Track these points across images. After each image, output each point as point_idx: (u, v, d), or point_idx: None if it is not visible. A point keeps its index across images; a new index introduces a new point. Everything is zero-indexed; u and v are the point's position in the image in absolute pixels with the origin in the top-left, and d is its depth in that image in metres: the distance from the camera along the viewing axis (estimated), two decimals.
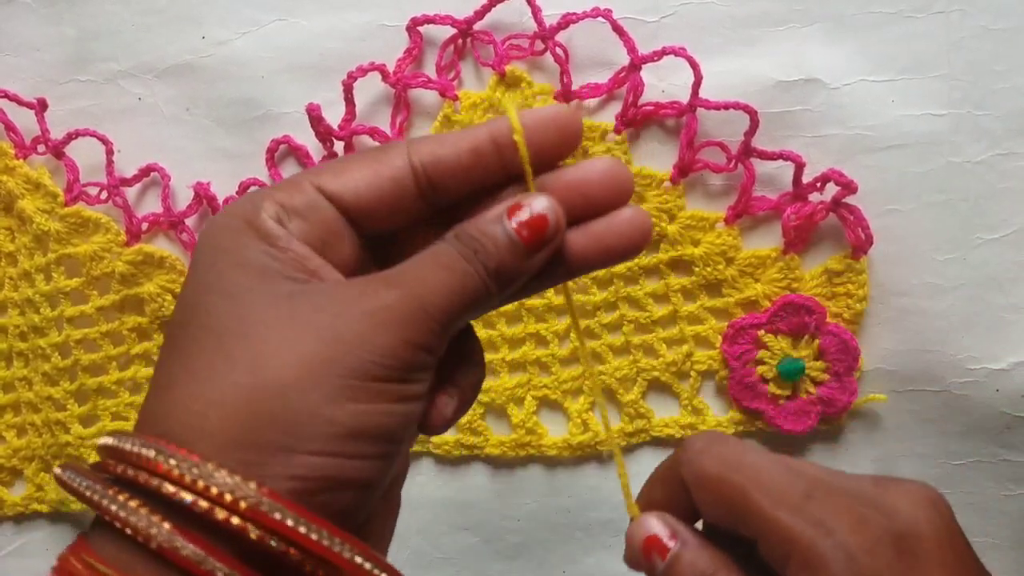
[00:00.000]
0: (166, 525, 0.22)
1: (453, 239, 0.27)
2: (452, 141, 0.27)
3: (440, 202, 0.28)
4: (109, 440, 0.25)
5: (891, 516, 0.26)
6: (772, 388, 0.47)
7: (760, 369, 0.47)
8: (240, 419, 0.23)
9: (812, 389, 0.47)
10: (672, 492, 0.30)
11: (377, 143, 0.48)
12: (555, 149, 0.28)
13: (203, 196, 0.49)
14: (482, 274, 0.26)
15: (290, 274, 0.26)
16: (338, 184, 0.27)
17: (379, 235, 0.28)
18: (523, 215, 0.26)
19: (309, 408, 0.23)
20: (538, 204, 0.26)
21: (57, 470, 0.25)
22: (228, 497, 0.22)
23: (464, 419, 0.49)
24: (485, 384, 0.49)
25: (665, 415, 0.49)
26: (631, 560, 0.30)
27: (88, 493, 0.23)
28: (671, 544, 0.28)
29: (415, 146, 0.27)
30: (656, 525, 0.29)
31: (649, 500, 0.31)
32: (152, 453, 0.23)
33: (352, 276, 0.27)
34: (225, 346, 0.24)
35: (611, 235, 0.28)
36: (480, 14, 0.46)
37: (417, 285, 0.25)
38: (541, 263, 0.27)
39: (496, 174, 0.27)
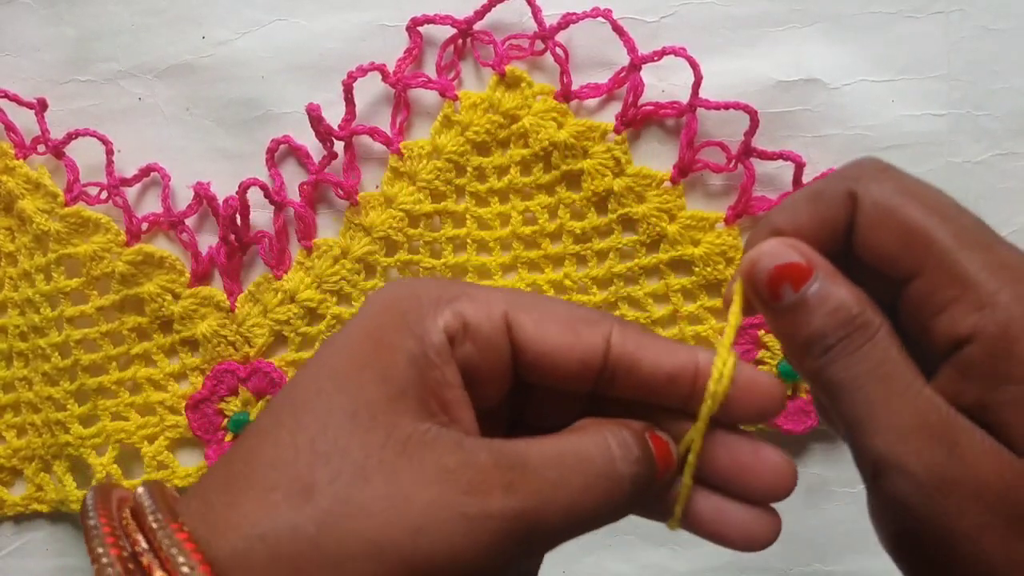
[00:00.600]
0: None
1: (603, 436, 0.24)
2: (656, 353, 0.25)
3: (605, 392, 0.26)
4: (147, 503, 0.23)
5: None
6: None
7: (760, 369, 0.47)
8: (282, 569, 0.21)
9: None
10: (824, 212, 0.25)
11: (377, 143, 0.48)
12: (744, 415, 0.26)
13: (203, 196, 0.49)
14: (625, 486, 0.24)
15: (424, 404, 0.23)
16: (532, 332, 0.25)
17: (527, 388, 0.26)
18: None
19: None
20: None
21: (140, 490, 0.23)
22: None
23: None
24: None
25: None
26: (729, 297, 0.26)
27: (100, 553, 0.21)
28: (811, 273, 0.24)
29: (620, 334, 0.25)
30: (791, 251, 0.25)
31: (789, 221, 0.26)
32: (177, 556, 0.21)
33: (486, 417, 0.25)
34: (302, 470, 0.22)
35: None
36: (480, 14, 0.46)
37: (540, 495, 0.23)
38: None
39: (676, 403, 0.26)
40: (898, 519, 0.24)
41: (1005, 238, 0.24)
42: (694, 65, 0.45)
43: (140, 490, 0.23)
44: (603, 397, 0.27)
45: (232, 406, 0.49)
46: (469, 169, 0.48)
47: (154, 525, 0.22)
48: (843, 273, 0.25)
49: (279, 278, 0.49)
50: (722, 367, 0.25)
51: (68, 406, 0.51)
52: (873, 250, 0.25)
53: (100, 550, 0.21)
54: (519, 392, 0.27)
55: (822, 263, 0.25)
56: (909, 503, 0.23)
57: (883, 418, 0.23)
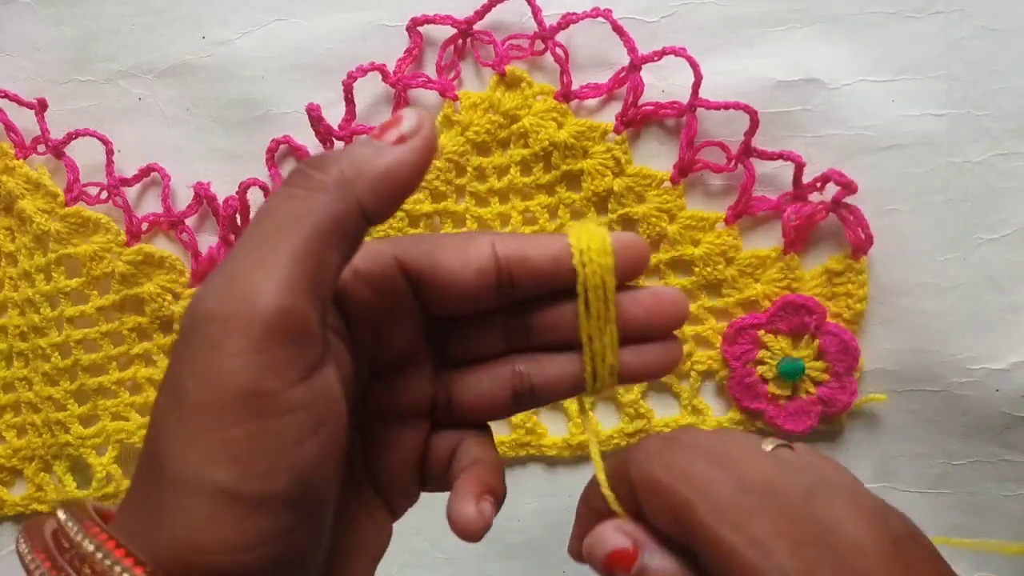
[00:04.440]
0: None
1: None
2: (538, 244, 0.27)
3: (510, 297, 0.28)
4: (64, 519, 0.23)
5: (835, 536, 0.26)
6: (772, 388, 0.47)
7: (760, 369, 0.47)
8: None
9: (812, 389, 0.47)
10: (620, 491, 0.29)
11: None
12: (622, 275, 0.28)
13: (203, 196, 0.49)
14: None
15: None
16: (423, 265, 0.27)
17: (442, 316, 0.28)
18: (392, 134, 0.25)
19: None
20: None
21: (62, 515, 0.24)
22: None
23: None
24: None
25: (665, 415, 0.49)
26: (577, 555, 0.29)
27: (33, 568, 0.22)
28: (636, 555, 0.27)
29: (503, 241, 0.27)
30: (617, 537, 0.28)
31: (596, 495, 0.30)
32: (104, 559, 0.22)
33: (408, 354, 0.28)
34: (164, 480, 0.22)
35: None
36: (480, 14, 0.46)
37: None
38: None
39: (568, 283, 0.28)
40: None
41: (769, 490, 0.27)
42: (694, 65, 0.45)
43: (61, 514, 0.24)
44: (518, 326, 0.28)
45: None
46: (469, 169, 0.48)
47: (78, 538, 0.22)
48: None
49: None
50: (581, 233, 0.28)
51: (68, 406, 0.51)
52: (660, 528, 0.27)
53: (32, 563, 0.22)
54: (436, 333, 0.28)
55: (648, 541, 0.28)
56: None
57: None
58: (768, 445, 0.29)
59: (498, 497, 0.28)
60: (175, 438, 0.21)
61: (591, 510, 0.30)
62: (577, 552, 0.30)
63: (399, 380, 0.28)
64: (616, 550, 0.28)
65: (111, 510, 0.25)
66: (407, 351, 0.28)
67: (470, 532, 0.27)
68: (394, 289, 0.27)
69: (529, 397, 0.29)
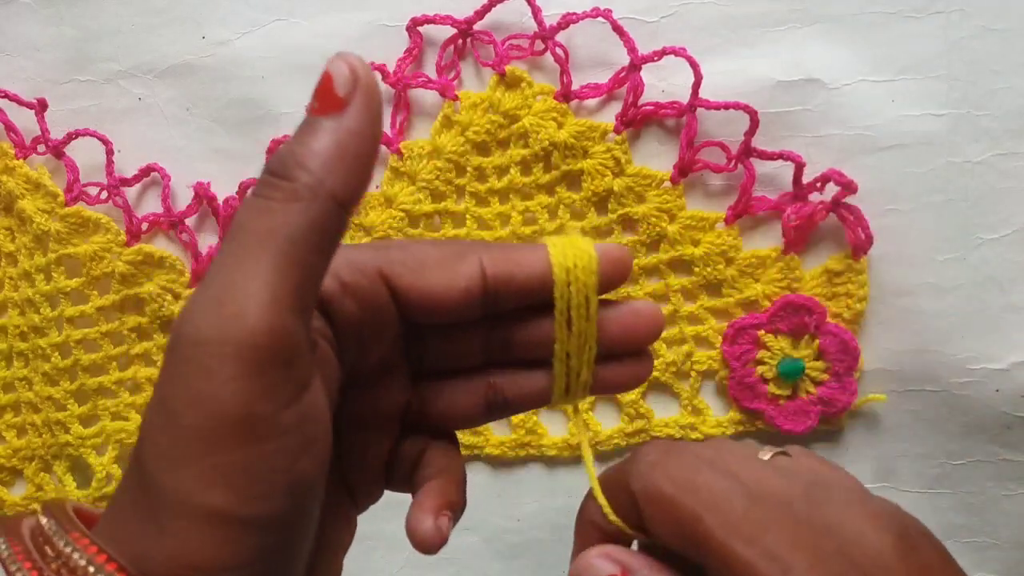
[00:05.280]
0: None
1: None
2: (525, 261, 0.27)
3: (493, 310, 0.27)
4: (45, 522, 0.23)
5: (856, 548, 0.25)
6: (772, 388, 0.47)
7: (760, 369, 0.47)
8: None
9: (812, 389, 0.47)
10: (619, 502, 0.28)
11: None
12: (604, 288, 0.28)
13: (203, 196, 0.49)
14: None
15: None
16: (409, 282, 0.26)
17: (422, 326, 0.28)
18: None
19: None
20: None
21: (45, 520, 0.24)
22: None
23: None
24: None
25: (665, 415, 0.49)
26: None
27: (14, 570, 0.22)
28: None
29: (491, 258, 0.27)
30: (602, 564, 0.27)
31: (595, 513, 0.29)
32: (80, 559, 0.22)
33: (386, 362, 0.28)
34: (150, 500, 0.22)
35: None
36: (480, 14, 0.46)
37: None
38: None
39: (552, 298, 0.28)
40: None
41: (783, 502, 0.26)
42: (694, 65, 0.45)
43: (44, 519, 0.24)
44: (496, 339, 0.28)
45: None
46: (469, 169, 0.48)
47: (67, 550, 0.22)
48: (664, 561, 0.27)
49: None
50: (567, 251, 0.27)
51: (68, 406, 0.51)
52: (662, 540, 0.26)
53: (17, 572, 0.22)
54: (414, 341, 0.28)
55: (636, 564, 0.27)
56: None
57: None
58: (766, 454, 0.28)
59: (456, 511, 0.28)
60: (167, 459, 0.21)
61: (590, 524, 0.29)
62: None
63: (374, 387, 0.28)
64: None
65: (92, 511, 0.25)
66: (385, 359, 0.28)
67: (427, 546, 0.27)
68: (378, 302, 0.26)
69: (501, 408, 0.29)
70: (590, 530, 0.29)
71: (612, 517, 0.28)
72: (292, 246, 0.22)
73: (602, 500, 0.28)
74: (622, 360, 0.29)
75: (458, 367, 0.29)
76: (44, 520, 0.23)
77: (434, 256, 0.27)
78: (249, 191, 0.23)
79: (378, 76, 0.47)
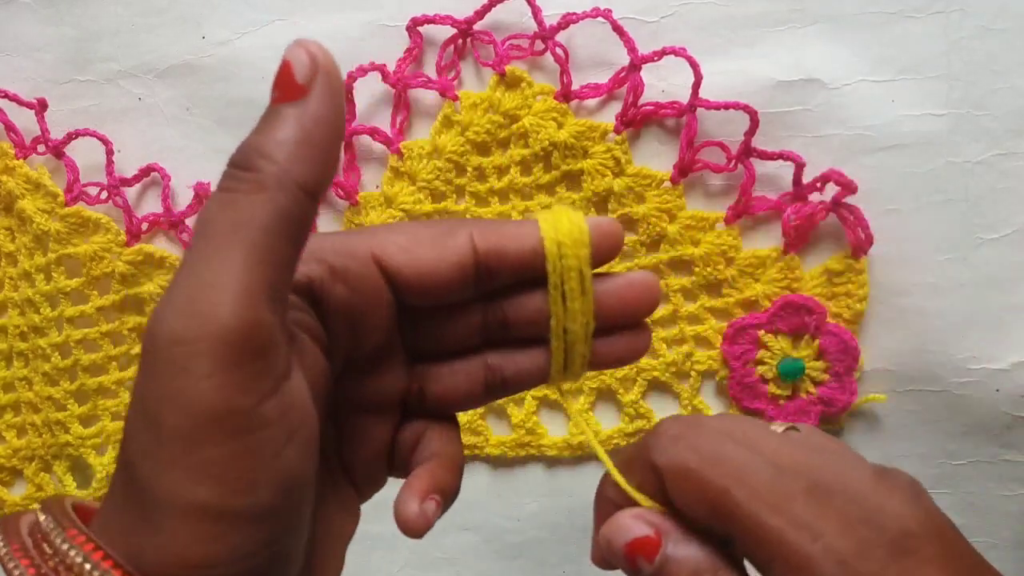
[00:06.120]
0: None
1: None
2: (515, 235, 0.27)
3: (487, 288, 0.27)
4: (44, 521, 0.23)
5: (881, 514, 0.25)
6: (772, 388, 0.47)
7: (760, 369, 0.47)
8: None
9: (812, 389, 0.47)
10: (642, 478, 0.28)
11: (377, 143, 0.48)
12: (597, 262, 0.28)
13: (203, 196, 0.49)
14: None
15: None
16: (401, 261, 0.26)
17: (417, 308, 0.28)
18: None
19: None
20: None
21: (43, 517, 0.24)
22: None
23: (464, 419, 0.49)
24: None
25: (665, 415, 0.49)
26: (601, 561, 0.28)
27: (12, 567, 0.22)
28: (660, 544, 0.26)
29: (481, 232, 0.27)
30: (637, 526, 0.27)
31: (615, 490, 0.28)
32: (75, 556, 0.22)
33: (382, 347, 0.27)
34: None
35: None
36: (480, 14, 0.46)
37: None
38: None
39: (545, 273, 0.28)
40: None
41: (804, 471, 0.25)
42: (694, 65, 0.45)
43: (42, 516, 0.24)
44: (492, 318, 0.28)
45: None
46: (469, 169, 0.48)
47: (54, 537, 0.22)
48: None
49: None
50: (558, 223, 0.27)
51: (68, 406, 0.51)
52: (689, 515, 0.26)
53: (15, 569, 0.22)
54: (409, 325, 0.28)
55: (671, 529, 0.26)
56: None
57: None
58: (778, 428, 0.28)
59: (447, 495, 0.28)
60: (153, 459, 0.21)
61: (610, 502, 0.29)
62: (599, 559, 0.29)
63: (372, 372, 0.28)
64: (637, 539, 0.26)
65: (91, 506, 0.25)
66: (381, 344, 0.28)
67: (411, 530, 0.26)
68: (370, 285, 0.26)
69: (500, 389, 0.29)
70: (611, 509, 0.29)
71: (633, 493, 0.28)
72: (261, 237, 0.21)
73: (618, 477, 0.28)
74: (620, 333, 0.28)
75: (455, 349, 0.29)
76: (42, 517, 0.23)
77: (425, 234, 0.27)
78: (213, 187, 0.23)
79: (379, 75, 0.47)
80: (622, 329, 0.28)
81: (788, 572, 0.24)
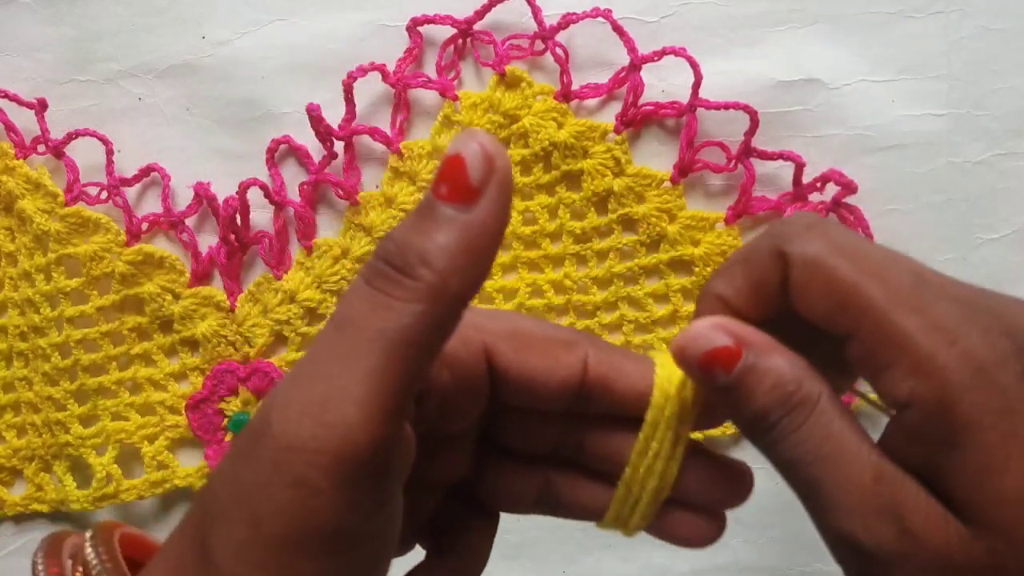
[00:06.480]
0: None
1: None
2: (628, 372, 0.26)
3: (579, 409, 0.26)
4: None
5: (1020, 330, 0.23)
6: None
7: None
8: None
9: None
10: (762, 273, 0.25)
11: (377, 143, 0.48)
12: (702, 421, 0.26)
13: (203, 196, 0.49)
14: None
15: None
16: (511, 361, 0.25)
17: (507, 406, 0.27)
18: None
19: None
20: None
21: (88, 550, 0.23)
22: None
23: None
24: None
25: None
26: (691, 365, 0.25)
27: None
28: (739, 355, 0.24)
29: (596, 356, 0.25)
30: (715, 335, 0.24)
31: (727, 286, 0.25)
32: None
33: (460, 432, 0.26)
34: None
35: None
36: (480, 14, 0.46)
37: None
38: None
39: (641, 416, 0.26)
40: None
41: (946, 285, 0.24)
42: (694, 65, 0.45)
43: (88, 549, 0.23)
44: (571, 436, 0.27)
45: (232, 406, 0.49)
46: None
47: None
48: (782, 336, 0.24)
49: (279, 278, 0.49)
50: (667, 377, 0.26)
51: (68, 406, 0.51)
52: (807, 311, 0.24)
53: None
54: (491, 418, 0.27)
55: (754, 339, 0.24)
56: None
57: (831, 496, 0.23)
58: None
59: None
60: (243, 559, 0.20)
61: (716, 299, 0.26)
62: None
63: (440, 454, 0.27)
64: (717, 348, 0.24)
65: (136, 535, 0.24)
66: (461, 429, 0.27)
67: None
68: (475, 376, 0.25)
69: (550, 507, 0.28)
70: (716, 306, 0.26)
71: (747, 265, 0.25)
72: (406, 350, 0.20)
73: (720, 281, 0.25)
74: (692, 511, 0.27)
75: (523, 451, 0.27)
76: (88, 550, 0.23)
77: (538, 337, 0.26)
78: (358, 277, 0.22)
79: (379, 75, 0.47)
80: (697, 509, 0.27)
81: (909, 376, 0.22)
